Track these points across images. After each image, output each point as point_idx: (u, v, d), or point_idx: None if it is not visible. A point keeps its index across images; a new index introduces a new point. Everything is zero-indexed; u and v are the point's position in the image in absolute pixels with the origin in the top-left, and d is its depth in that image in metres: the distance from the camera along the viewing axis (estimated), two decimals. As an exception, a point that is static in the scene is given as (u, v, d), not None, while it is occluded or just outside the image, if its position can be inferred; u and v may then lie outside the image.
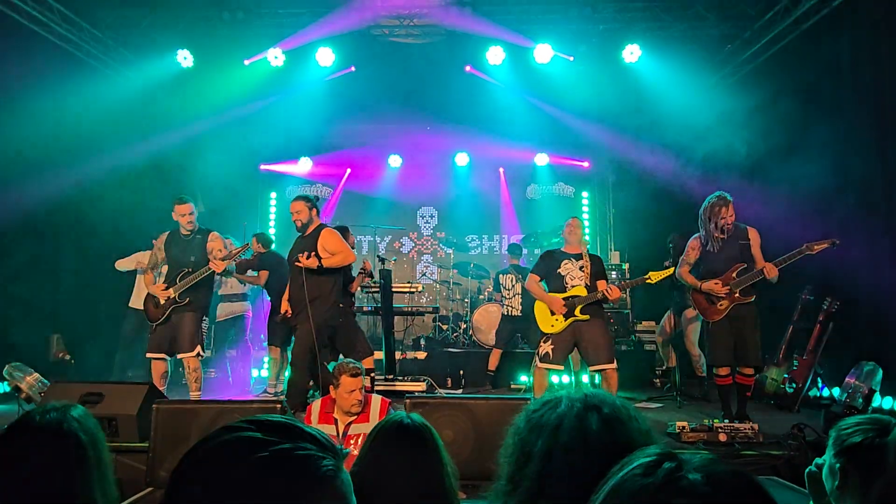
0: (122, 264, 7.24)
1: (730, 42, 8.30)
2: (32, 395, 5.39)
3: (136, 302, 7.07)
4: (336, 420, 3.99)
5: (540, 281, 5.87)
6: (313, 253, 5.46)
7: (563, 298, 5.61)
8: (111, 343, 7.56)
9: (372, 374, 6.29)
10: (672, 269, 5.59)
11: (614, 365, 5.45)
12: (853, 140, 6.52)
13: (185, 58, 8.25)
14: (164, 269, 5.98)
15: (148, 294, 5.81)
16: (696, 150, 8.51)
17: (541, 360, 5.63)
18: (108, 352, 7.55)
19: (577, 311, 5.52)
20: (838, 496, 1.81)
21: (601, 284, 5.60)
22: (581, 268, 5.68)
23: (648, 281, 5.54)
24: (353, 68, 9.14)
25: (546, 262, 5.88)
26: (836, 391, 5.94)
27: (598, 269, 5.74)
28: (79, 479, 1.63)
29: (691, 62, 8.27)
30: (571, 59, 8.61)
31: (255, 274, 7.40)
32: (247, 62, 8.64)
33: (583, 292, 5.57)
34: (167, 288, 5.66)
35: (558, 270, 5.73)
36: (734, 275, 5.24)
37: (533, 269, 5.99)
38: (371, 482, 1.78)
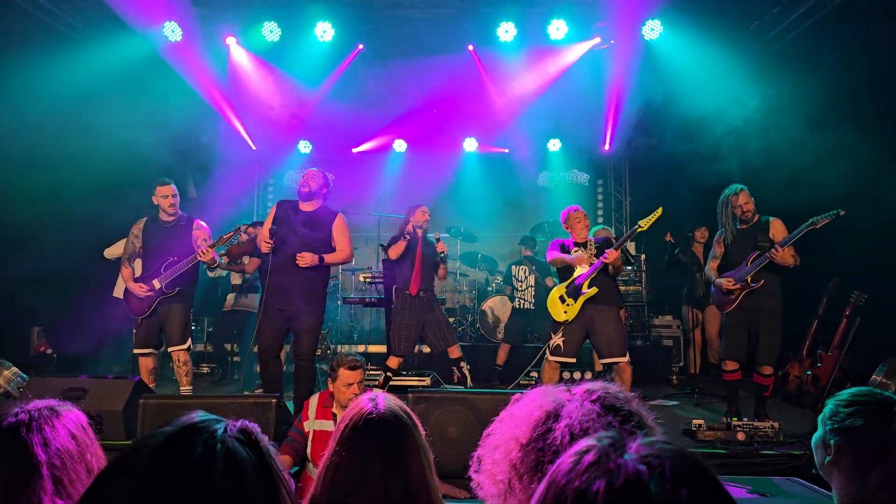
0: (111, 252, 7.15)
1: (758, 17, 8.16)
2: (10, 390, 5.44)
3: (121, 292, 6.95)
4: (335, 416, 3.97)
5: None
6: (309, 255, 5.29)
7: (566, 284, 5.72)
8: (96, 337, 7.57)
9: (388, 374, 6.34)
10: (659, 210, 5.60)
11: (627, 358, 5.48)
12: (888, 122, 6.48)
13: (172, 31, 8.07)
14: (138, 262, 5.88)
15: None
16: (720, 134, 8.43)
17: (552, 353, 5.68)
18: (92, 346, 7.57)
19: (584, 287, 5.56)
20: (828, 471, 1.88)
21: (609, 252, 5.61)
22: (586, 248, 5.75)
23: (639, 230, 5.56)
24: (361, 46, 9.00)
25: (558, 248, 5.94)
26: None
27: (603, 245, 5.75)
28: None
29: (716, 39, 8.15)
30: (599, 40, 8.57)
31: (244, 262, 7.34)
32: (233, 39, 8.59)
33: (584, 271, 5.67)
34: (148, 285, 5.58)
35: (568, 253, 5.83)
36: (749, 263, 5.31)
37: (550, 246, 6.02)
38: (339, 490, 1.63)
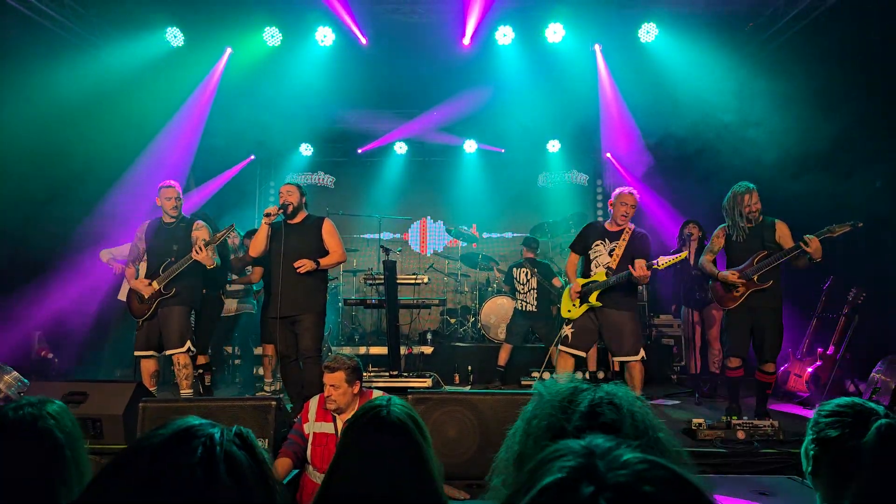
0: (104, 255, 7.05)
1: (752, 19, 8.16)
2: (11, 395, 5.41)
3: (125, 294, 6.81)
4: (335, 417, 3.92)
5: (578, 260, 5.76)
6: (308, 261, 5.43)
7: (582, 285, 5.51)
8: (98, 340, 7.55)
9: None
10: (684, 253, 5.42)
11: (638, 357, 5.32)
12: (883, 122, 6.47)
13: (174, 36, 8.08)
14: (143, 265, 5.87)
15: (131, 289, 5.74)
16: (717, 134, 8.42)
17: (560, 343, 5.61)
18: (94, 350, 7.54)
19: (591, 298, 5.38)
20: (812, 480, 1.88)
21: (637, 263, 5.22)
22: (611, 251, 5.45)
23: (655, 267, 5.22)
24: (365, 39, 8.79)
25: (582, 239, 5.72)
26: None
27: (638, 249, 5.39)
28: (54, 481, 1.59)
29: (711, 41, 8.13)
30: (599, 46, 8.61)
31: (248, 272, 7.31)
32: (231, 50, 8.63)
33: (602, 277, 5.40)
34: (150, 281, 5.59)
35: (589, 252, 5.60)
36: (755, 262, 5.26)
37: (571, 244, 5.84)
38: (346, 487, 1.64)
